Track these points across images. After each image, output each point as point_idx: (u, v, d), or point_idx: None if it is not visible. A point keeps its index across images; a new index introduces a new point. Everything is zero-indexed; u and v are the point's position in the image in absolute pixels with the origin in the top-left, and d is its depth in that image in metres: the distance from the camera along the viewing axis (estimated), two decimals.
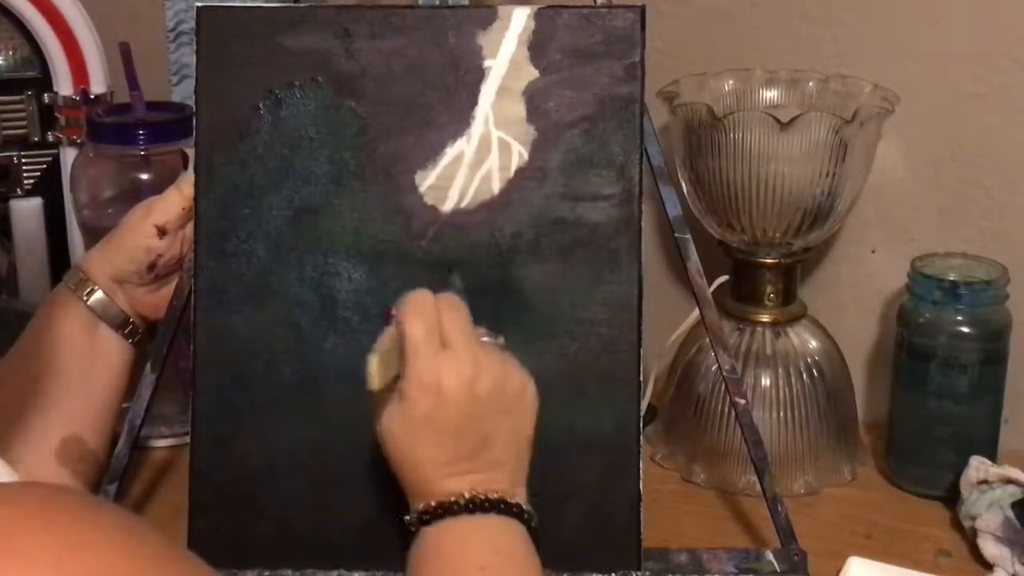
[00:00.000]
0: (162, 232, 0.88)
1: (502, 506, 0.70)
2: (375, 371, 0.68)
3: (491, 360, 0.72)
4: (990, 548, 0.88)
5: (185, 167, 1.00)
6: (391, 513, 0.82)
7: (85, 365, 0.88)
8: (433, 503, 0.70)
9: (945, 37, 1.03)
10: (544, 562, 0.70)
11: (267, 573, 0.81)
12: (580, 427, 0.81)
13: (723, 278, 1.03)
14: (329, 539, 0.82)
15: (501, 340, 0.75)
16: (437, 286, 0.82)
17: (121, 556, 0.42)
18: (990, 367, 0.97)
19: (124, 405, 0.90)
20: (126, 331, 0.90)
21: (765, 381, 1.01)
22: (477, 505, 0.69)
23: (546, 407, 0.74)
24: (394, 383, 0.70)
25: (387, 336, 0.71)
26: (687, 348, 1.05)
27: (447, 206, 0.83)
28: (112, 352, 0.90)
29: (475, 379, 0.70)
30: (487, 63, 0.83)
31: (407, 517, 0.71)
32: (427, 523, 0.70)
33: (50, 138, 1.17)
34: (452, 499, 0.69)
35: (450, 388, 0.69)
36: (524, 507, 0.71)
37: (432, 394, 0.69)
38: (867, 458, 1.05)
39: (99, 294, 0.89)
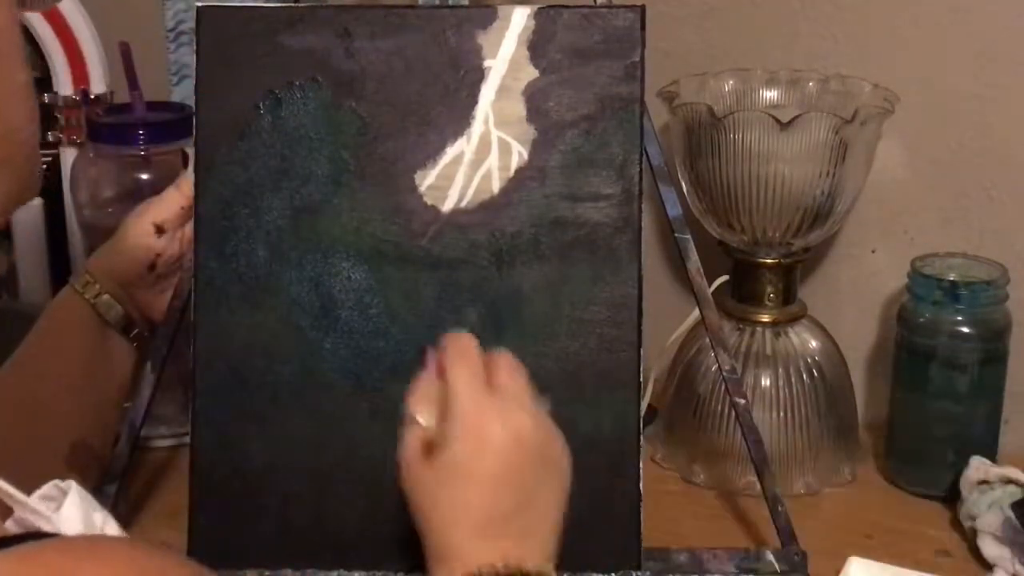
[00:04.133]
0: (160, 230, 0.89)
1: None
2: (426, 410, 0.64)
3: (541, 415, 0.66)
4: (990, 548, 0.88)
5: (185, 167, 1.00)
6: (391, 513, 0.82)
7: (91, 367, 0.89)
8: (460, 575, 0.61)
9: (945, 37, 1.03)
10: None
11: (267, 573, 0.81)
12: (580, 427, 0.80)
13: (723, 278, 1.03)
14: (329, 539, 0.82)
15: (547, 404, 0.68)
16: (438, 286, 0.82)
17: None
18: (990, 367, 0.97)
19: (124, 405, 0.91)
20: (131, 333, 0.91)
21: (765, 381, 1.01)
22: None
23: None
24: (425, 432, 0.65)
25: (425, 380, 0.67)
26: (687, 348, 1.05)
27: (447, 206, 0.83)
28: (117, 354, 0.90)
29: (522, 431, 0.64)
30: (487, 63, 0.83)
31: None
32: None
33: (50, 138, 1.17)
34: (483, 571, 0.61)
35: (495, 436, 0.63)
36: None
37: (475, 439, 0.63)
38: (867, 458, 1.05)
39: (104, 296, 0.89)
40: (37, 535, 0.44)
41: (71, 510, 0.47)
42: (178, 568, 0.44)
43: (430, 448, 0.65)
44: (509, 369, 0.66)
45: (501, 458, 0.63)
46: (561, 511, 0.66)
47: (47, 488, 0.48)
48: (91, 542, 0.45)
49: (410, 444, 0.66)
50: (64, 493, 0.48)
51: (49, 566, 0.41)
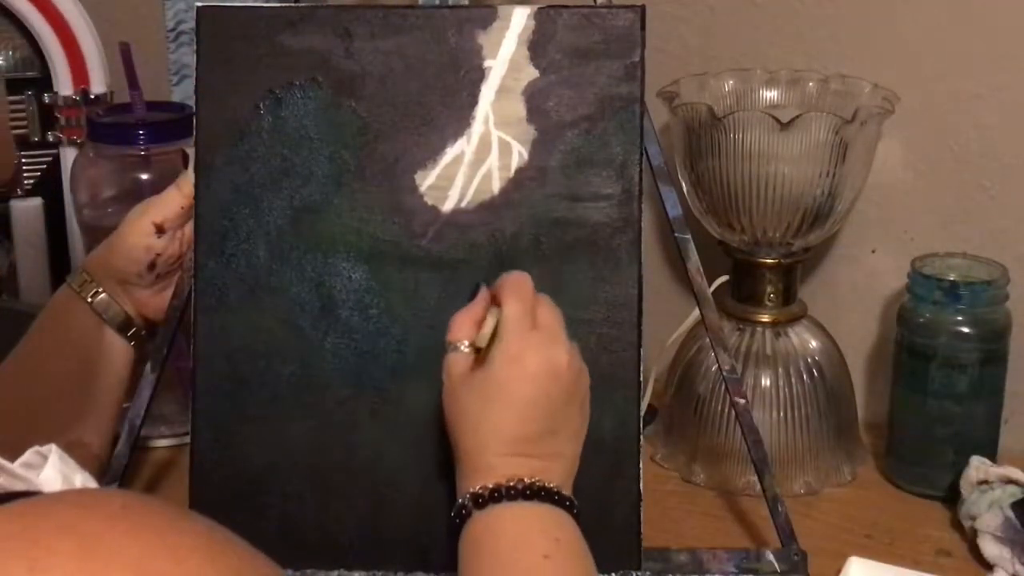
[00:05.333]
0: (160, 230, 0.89)
1: (556, 497, 0.70)
2: (490, 327, 0.70)
3: (576, 357, 0.73)
4: (990, 548, 0.88)
5: (185, 167, 1.00)
6: (391, 513, 0.82)
7: (89, 366, 0.89)
8: (491, 484, 0.69)
9: (945, 37, 1.03)
10: None
11: None
12: None
13: (723, 278, 1.03)
14: (329, 539, 0.82)
15: (577, 346, 0.75)
16: (438, 286, 0.82)
17: (201, 563, 0.42)
18: (990, 367, 0.97)
19: (124, 405, 0.90)
20: (129, 332, 0.90)
21: (765, 381, 1.01)
22: (535, 492, 0.69)
23: None
24: (477, 353, 0.72)
25: (478, 305, 0.74)
26: (687, 348, 1.05)
27: (447, 206, 0.83)
28: (115, 353, 0.90)
29: (558, 367, 0.71)
30: (487, 63, 0.83)
31: (459, 501, 0.70)
32: (481, 506, 0.69)
33: (50, 138, 1.17)
34: (511, 483, 0.69)
35: (534, 366, 0.70)
36: (576, 505, 0.71)
37: (516, 367, 0.70)
38: (867, 458, 1.05)
39: (102, 295, 0.89)
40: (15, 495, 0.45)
41: (51, 472, 0.48)
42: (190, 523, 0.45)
43: (472, 370, 0.72)
44: (550, 309, 0.74)
45: (537, 385, 0.70)
46: (581, 443, 0.74)
47: (28, 455, 0.49)
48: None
49: (454, 366, 0.73)
50: (45, 458, 0.49)
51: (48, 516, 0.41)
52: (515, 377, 0.70)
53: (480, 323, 0.73)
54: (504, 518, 0.69)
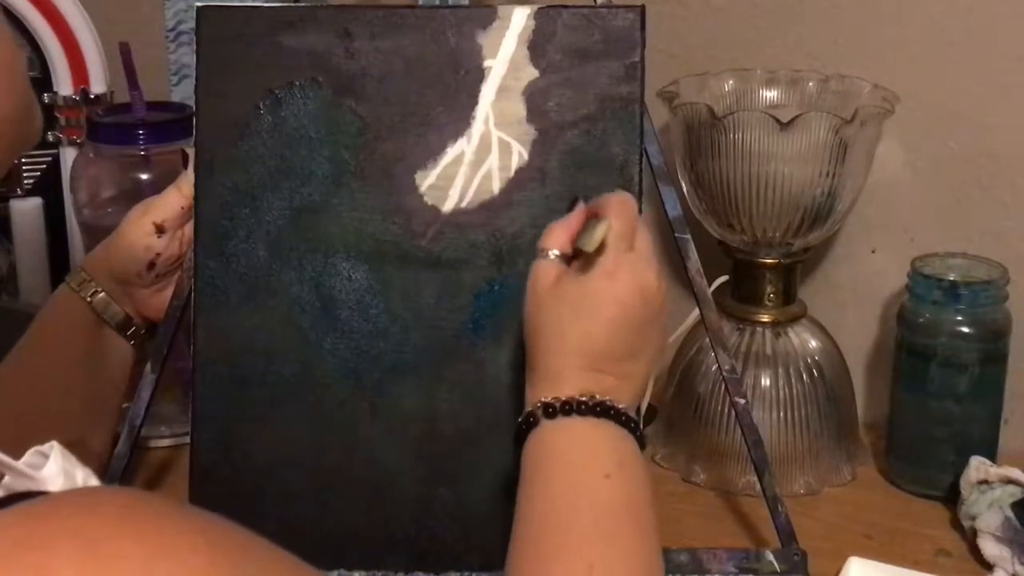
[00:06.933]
0: (160, 230, 0.89)
1: (623, 418, 0.69)
2: (600, 235, 0.70)
3: (664, 283, 0.73)
4: (990, 548, 0.88)
5: (185, 167, 1.00)
6: (391, 513, 0.82)
7: (87, 366, 0.89)
8: (563, 396, 0.69)
9: (945, 37, 1.03)
10: None
11: None
12: None
13: (723, 278, 1.03)
14: (329, 539, 0.82)
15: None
16: (438, 286, 0.82)
17: (206, 561, 0.42)
18: (990, 367, 0.97)
19: (124, 405, 0.90)
20: (128, 332, 0.90)
21: (765, 381, 1.01)
22: (605, 410, 0.69)
23: None
24: (566, 263, 0.72)
25: (575, 217, 0.74)
26: (687, 348, 1.05)
27: (447, 206, 0.83)
28: (114, 352, 0.90)
29: (649, 290, 0.71)
30: (487, 63, 0.83)
31: (527, 408, 0.70)
32: (551, 416, 0.69)
33: (50, 138, 1.17)
34: (584, 398, 0.68)
35: (627, 284, 0.70)
36: (640, 428, 0.71)
37: (610, 282, 0.70)
38: (867, 458, 1.05)
39: (101, 295, 0.89)
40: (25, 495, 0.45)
41: (53, 468, 0.48)
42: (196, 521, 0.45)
43: (561, 278, 0.71)
44: (646, 234, 0.74)
45: (626, 305, 0.70)
46: (653, 370, 0.74)
47: (29, 456, 0.49)
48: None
49: (542, 273, 0.72)
50: (46, 456, 0.49)
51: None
52: (607, 293, 0.70)
53: (574, 236, 0.72)
54: (571, 432, 0.69)
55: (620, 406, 0.69)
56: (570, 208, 0.75)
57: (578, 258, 0.71)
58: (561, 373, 0.70)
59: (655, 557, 0.66)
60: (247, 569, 0.44)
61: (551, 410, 0.69)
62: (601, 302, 0.70)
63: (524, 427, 0.70)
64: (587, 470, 0.67)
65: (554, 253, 0.72)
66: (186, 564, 0.41)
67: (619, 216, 0.72)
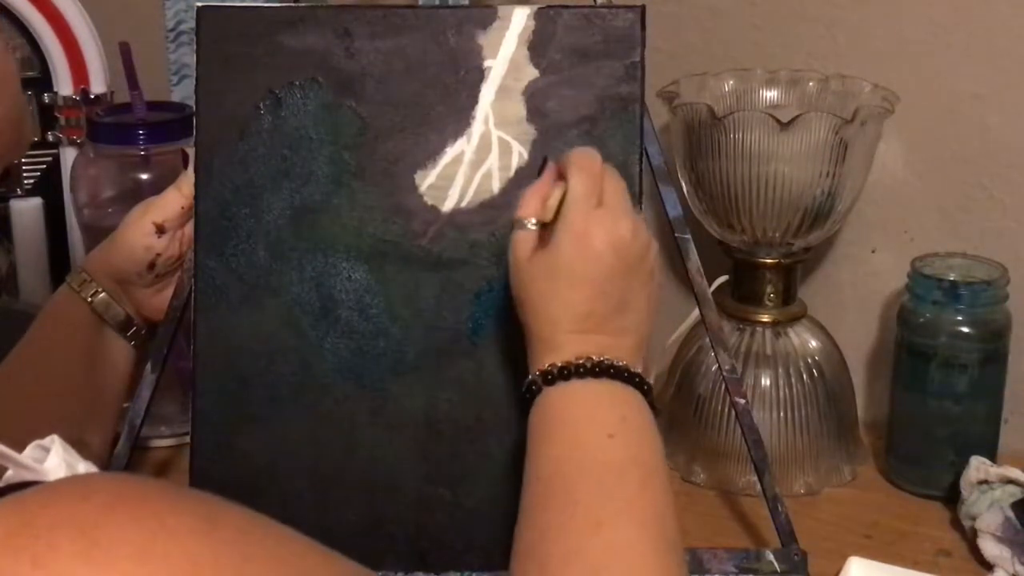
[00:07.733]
0: (160, 230, 0.89)
1: (626, 374, 0.69)
2: (554, 204, 0.70)
3: (642, 230, 0.72)
4: (990, 548, 0.88)
5: (185, 167, 1.00)
6: (391, 513, 0.82)
7: (88, 366, 0.89)
8: (560, 363, 0.69)
9: (945, 37, 1.03)
10: None
11: None
12: None
13: (723, 278, 1.03)
14: (329, 539, 0.82)
15: (642, 212, 0.76)
16: (438, 286, 0.82)
17: (204, 542, 0.42)
18: (990, 367, 0.97)
19: (124, 405, 0.90)
20: (128, 332, 0.90)
21: (765, 381, 1.01)
22: (603, 369, 0.69)
23: None
24: (543, 229, 0.71)
25: (545, 181, 0.73)
26: (687, 348, 1.05)
27: (447, 206, 0.83)
28: (114, 353, 0.90)
29: (625, 242, 0.70)
30: (487, 63, 0.83)
31: (528, 378, 0.70)
32: (551, 383, 0.69)
33: (50, 138, 1.17)
34: (580, 360, 0.69)
35: (600, 243, 0.70)
36: (646, 379, 0.71)
37: (581, 245, 0.69)
38: (867, 458, 1.05)
39: (102, 295, 0.89)
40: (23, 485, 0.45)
41: (55, 460, 0.48)
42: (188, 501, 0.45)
43: (537, 248, 0.71)
44: (616, 182, 0.73)
45: (603, 263, 0.70)
46: (652, 319, 0.73)
47: (31, 450, 0.49)
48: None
49: (520, 244, 0.72)
50: (47, 450, 0.49)
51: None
52: (580, 255, 0.69)
53: (547, 198, 0.72)
54: (572, 395, 0.69)
55: (620, 363, 0.69)
56: (541, 170, 0.75)
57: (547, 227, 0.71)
58: (554, 339, 0.70)
59: (667, 510, 0.65)
60: (250, 549, 0.43)
61: (550, 376, 0.69)
62: (575, 267, 0.69)
63: (528, 396, 0.70)
64: (590, 430, 0.68)
65: (531, 223, 0.72)
66: (184, 546, 0.41)
67: (581, 173, 0.72)
